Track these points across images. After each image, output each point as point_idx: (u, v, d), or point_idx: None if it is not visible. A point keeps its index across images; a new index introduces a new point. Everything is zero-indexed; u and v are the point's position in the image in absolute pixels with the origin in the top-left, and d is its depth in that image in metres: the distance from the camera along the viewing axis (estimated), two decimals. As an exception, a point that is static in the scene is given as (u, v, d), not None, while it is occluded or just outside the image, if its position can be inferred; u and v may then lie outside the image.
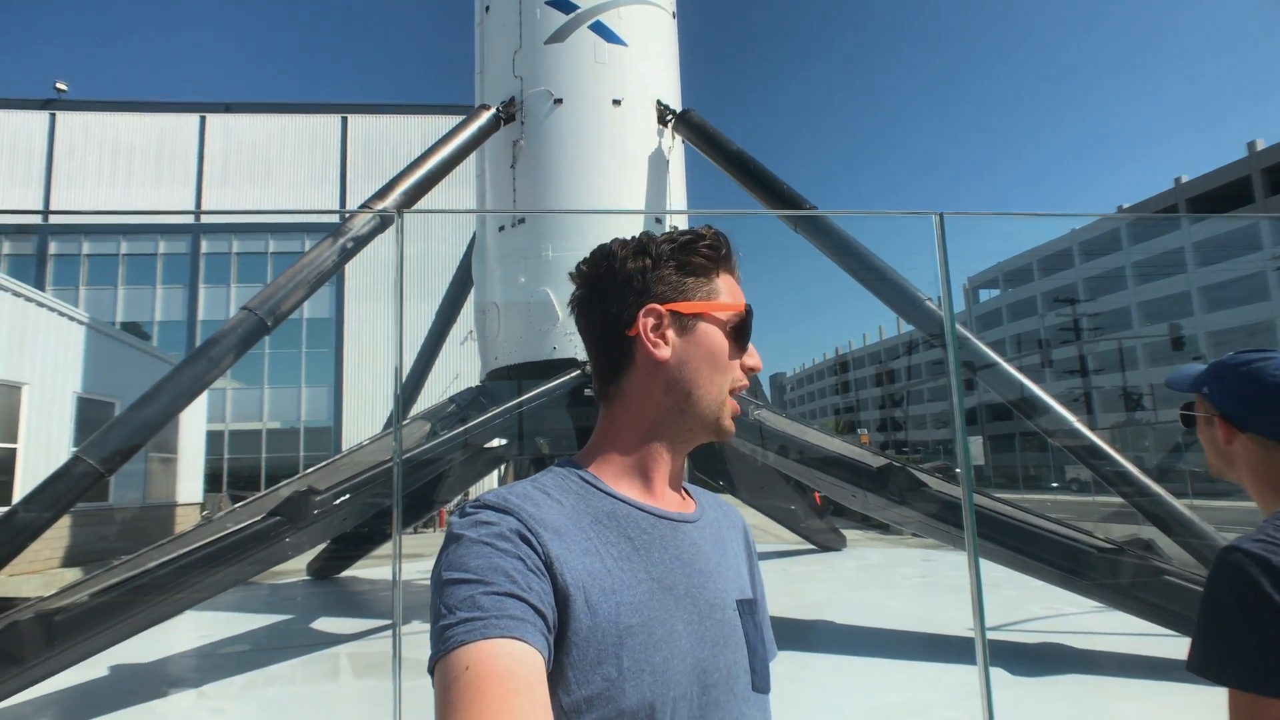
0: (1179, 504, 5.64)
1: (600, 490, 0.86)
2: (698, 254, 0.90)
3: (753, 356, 0.92)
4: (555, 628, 0.73)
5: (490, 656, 0.66)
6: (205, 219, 29.31)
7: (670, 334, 0.89)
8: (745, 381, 0.92)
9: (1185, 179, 44.49)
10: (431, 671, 0.68)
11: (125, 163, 29.19)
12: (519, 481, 0.86)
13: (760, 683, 0.88)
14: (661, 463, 0.90)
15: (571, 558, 0.77)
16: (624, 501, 0.86)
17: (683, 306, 0.89)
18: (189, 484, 16.13)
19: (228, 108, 30.39)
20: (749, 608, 0.91)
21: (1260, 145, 40.14)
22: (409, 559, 12.88)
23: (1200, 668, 1.08)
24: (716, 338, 0.89)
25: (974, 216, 5.09)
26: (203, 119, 29.91)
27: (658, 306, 0.88)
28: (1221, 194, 41.81)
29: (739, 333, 0.91)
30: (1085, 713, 4.58)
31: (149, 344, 18.80)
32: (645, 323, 0.88)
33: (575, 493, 0.85)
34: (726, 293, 0.91)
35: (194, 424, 16.18)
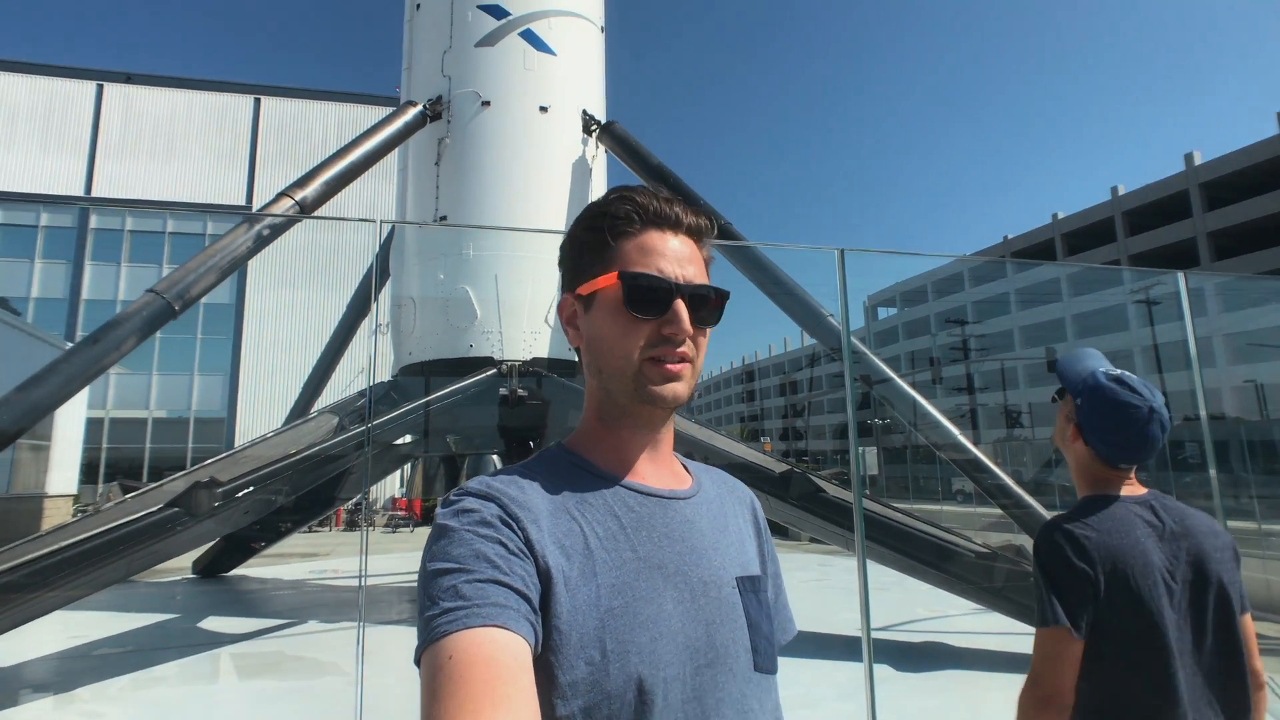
0: (1049, 514, 6.17)
1: (587, 470, 0.86)
2: (591, 227, 0.89)
3: (671, 322, 0.84)
4: (540, 610, 0.73)
5: (474, 645, 0.65)
6: (99, 194, 27.13)
7: (581, 319, 0.90)
8: (662, 349, 0.85)
9: (1061, 215, 48.40)
10: (417, 662, 0.68)
11: (6, 126, 26.78)
12: (509, 466, 0.87)
13: (763, 662, 0.86)
14: (627, 441, 0.88)
15: (550, 542, 0.77)
16: (611, 481, 0.85)
17: (582, 289, 0.89)
18: (62, 474, 14.85)
19: (128, 78, 28.38)
20: (751, 584, 0.88)
21: (1121, 190, 44.31)
22: (304, 558, 12.45)
23: (1038, 621, 1.41)
24: (609, 311, 0.86)
25: (874, 253, 5.54)
26: (100, 87, 27.82)
27: (569, 296, 0.91)
28: (1092, 230, 45.78)
29: (631, 299, 0.85)
30: (961, 703, 4.96)
31: (22, 320, 17.23)
32: (561, 315, 0.93)
33: (563, 474, 0.85)
34: (622, 259, 0.86)
35: (73, 410, 14.93)
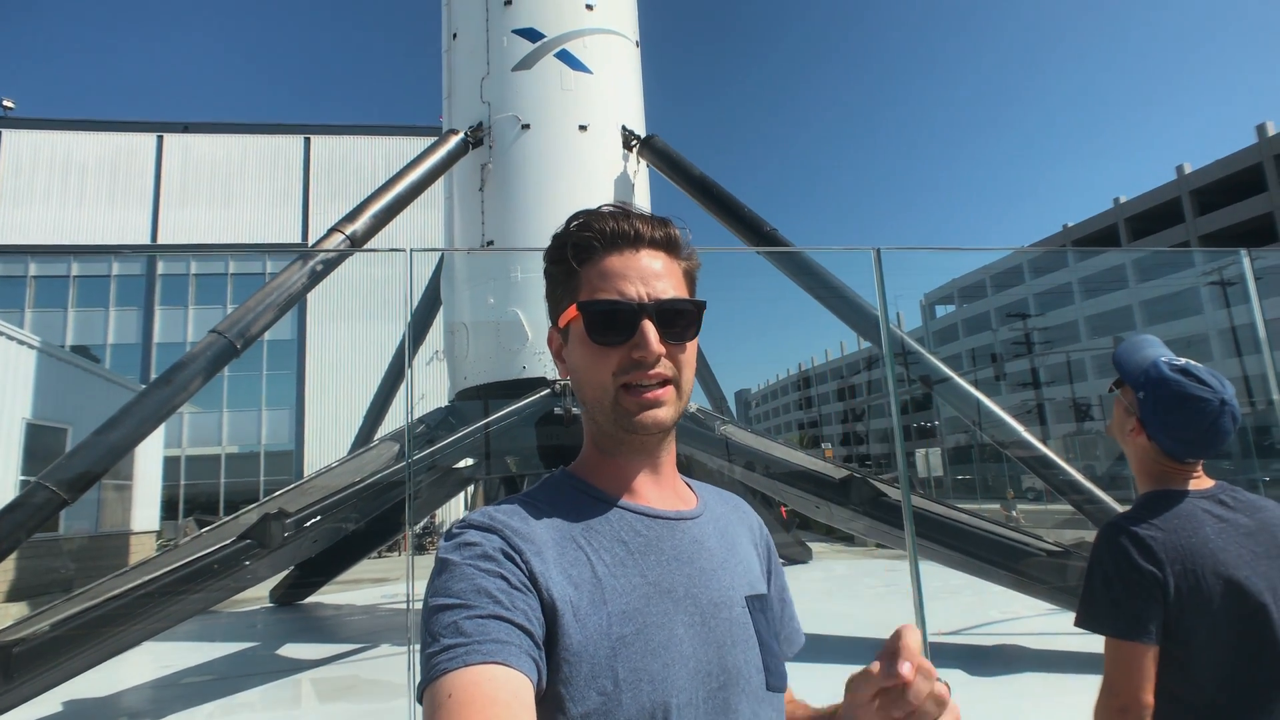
0: (1123, 508, 5.92)
1: (592, 496, 0.85)
2: (554, 259, 0.88)
3: (639, 345, 0.82)
4: (544, 644, 0.72)
5: (473, 684, 0.65)
6: (163, 240, 28.67)
7: (565, 352, 0.90)
8: (634, 375, 0.83)
9: (1124, 199, 46.59)
10: (420, 700, 0.68)
11: (77, 182, 28.47)
12: (512, 495, 0.85)
13: (775, 681, 0.84)
14: (626, 466, 0.87)
15: (556, 573, 0.75)
16: (617, 505, 0.84)
17: (561, 320, 0.89)
18: (145, 512, 15.54)
19: (186, 127, 29.88)
20: (760, 603, 0.87)
21: (1188, 169, 42.44)
22: (375, 584, 12.70)
23: (1084, 622, 1.39)
24: (580, 342, 0.85)
25: (912, 250, 5.50)
26: (160, 138, 29.37)
27: (553, 330, 0.91)
28: (1158, 212, 43.89)
29: (591, 329, 0.83)
30: (1036, 707, 4.80)
31: (102, 367, 18.20)
32: (552, 351, 0.93)
33: (568, 501, 0.83)
34: (584, 288, 0.85)
35: (151, 450, 15.67)
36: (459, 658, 0.66)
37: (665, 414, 0.83)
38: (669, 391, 0.84)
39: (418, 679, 0.69)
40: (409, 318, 4.26)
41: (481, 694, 0.64)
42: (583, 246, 0.85)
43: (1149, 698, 1.29)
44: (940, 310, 61.05)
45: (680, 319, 0.85)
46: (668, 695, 0.74)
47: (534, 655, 0.70)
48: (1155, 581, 1.31)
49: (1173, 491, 1.42)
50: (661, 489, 0.88)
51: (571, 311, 0.85)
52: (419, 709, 0.68)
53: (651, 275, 0.84)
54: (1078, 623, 1.40)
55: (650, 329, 0.82)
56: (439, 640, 0.68)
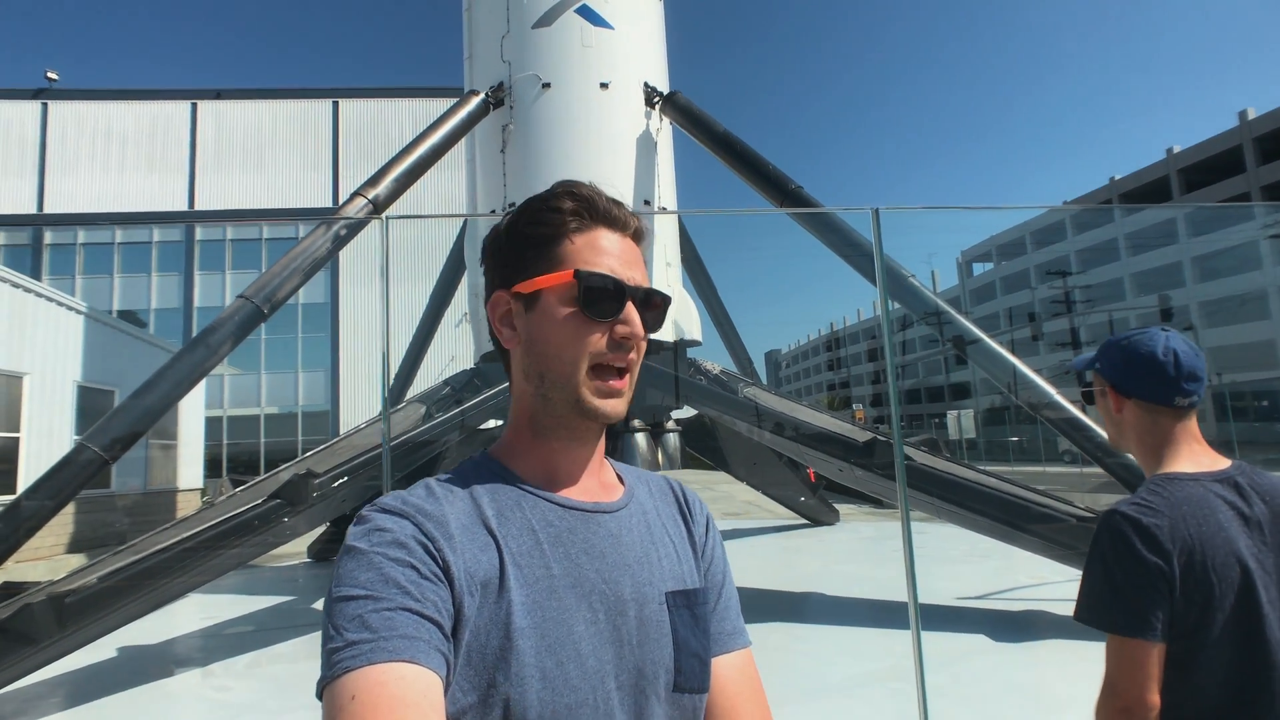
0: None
1: (509, 482, 0.82)
2: (538, 222, 0.84)
3: (625, 324, 0.81)
4: (453, 637, 0.70)
5: (378, 684, 0.61)
6: (200, 206, 29.29)
7: (519, 318, 0.84)
8: (612, 355, 0.82)
9: (1177, 149, 44.37)
10: (320, 697, 0.64)
11: (118, 150, 29.25)
12: (429, 478, 0.83)
13: (686, 681, 0.80)
14: (556, 451, 0.84)
15: (465, 560, 0.72)
16: (532, 493, 0.81)
17: (523, 286, 0.83)
18: (189, 470, 16.26)
19: (219, 94, 30.30)
20: (685, 599, 0.83)
21: (1251, 114, 39.95)
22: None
23: (1084, 616, 1.29)
24: (558, 311, 0.81)
25: (911, 210, 5.24)
26: (194, 106, 29.89)
27: (503, 293, 0.86)
28: (1215, 163, 41.70)
29: (586, 300, 0.80)
30: (1061, 674, 4.77)
31: (146, 331, 18.82)
32: (493, 313, 0.87)
33: (484, 485, 0.80)
34: (573, 257, 0.82)
35: (193, 411, 16.26)
36: (363, 655, 0.63)
37: (622, 406, 0.83)
38: (625, 383, 0.83)
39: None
40: (385, 287, 4.32)
41: (388, 695, 0.61)
42: (574, 215, 0.83)
43: (1154, 698, 1.21)
44: (978, 268, 59.54)
45: (653, 311, 0.85)
46: (559, 695, 0.71)
47: (443, 649, 0.67)
48: (1160, 573, 1.21)
49: (1182, 475, 1.32)
50: (586, 479, 0.85)
51: (558, 278, 0.81)
52: None
53: (635, 262, 0.84)
54: (1077, 616, 1.30)
55: (634, 311, 0.82)
56: (342, 634, 0.65)
